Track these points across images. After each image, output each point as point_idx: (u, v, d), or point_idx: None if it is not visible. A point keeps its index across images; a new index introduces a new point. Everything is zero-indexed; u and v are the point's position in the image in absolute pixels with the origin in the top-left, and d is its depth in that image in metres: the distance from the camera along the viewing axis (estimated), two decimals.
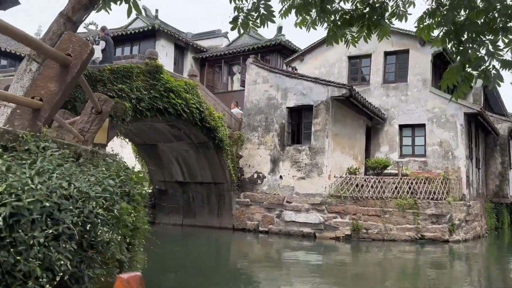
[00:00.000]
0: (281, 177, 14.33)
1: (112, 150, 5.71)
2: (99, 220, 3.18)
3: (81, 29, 13.17)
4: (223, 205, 14.73)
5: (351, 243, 12.71)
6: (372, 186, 13.35)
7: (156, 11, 22.50)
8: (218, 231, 14.65)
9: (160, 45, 21.58)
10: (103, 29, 13.52)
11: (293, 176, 14.10)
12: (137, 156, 15.59)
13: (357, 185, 13.42)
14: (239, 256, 11.86)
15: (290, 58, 19.22)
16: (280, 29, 21.63)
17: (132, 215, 4.19)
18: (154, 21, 21.86)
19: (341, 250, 12.21)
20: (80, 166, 3.70)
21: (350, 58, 18.07)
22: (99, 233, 3.17)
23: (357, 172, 14.19)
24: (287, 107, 14.55)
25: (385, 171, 14.66)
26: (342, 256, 11.59)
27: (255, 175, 14.78)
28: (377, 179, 13.54)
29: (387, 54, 17.52)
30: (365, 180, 13.59)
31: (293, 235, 13.50)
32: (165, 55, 21.50)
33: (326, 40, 6.16)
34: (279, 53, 21.44)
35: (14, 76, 6.16)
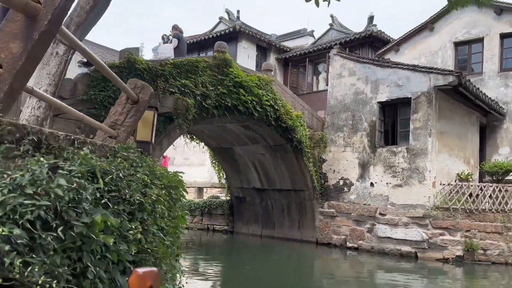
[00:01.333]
0: (372, 184, 12.23)
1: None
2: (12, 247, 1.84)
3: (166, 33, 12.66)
4: (304, 216, 13.05)
5: (464, 267, 10.18)
6: (490, 196, 10.65)
7: (238, 12, 21.77)
8: (300, 244, 13.00)
9: (241, 46, 20.73)
10: (175, 27, 12.81)
11: (387, 183, 11.92)
12: (213, 161, 14.66)
13: (470, 195, 10.80)
14: (323, 275, 10.16)
15: (383, 50, 16.96)
16: (371, 19, 19.41)
17: (131, 233, 2.74)
18: (235, 22, 21.11)
19: (451, 274, 9.80)
20: (18, 158, 2.39)
21: (457, 44, 15.29)
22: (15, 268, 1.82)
23: (470, 179, 11.52)
24: (378, 102, 12.43)
25: (507, 178, 11.76)
26: (452, 282, 9.23)
27: (341, 182, 12.86)
28: (497, 187, 10.79)
29: (504, 36, 14.45)
30: (481, 189, 10.91)
31: (388, 253, 11.31)
32: (246, 57, 20.59)
33: (448, 5, 4.30)
34: (370, 46, 19.21)
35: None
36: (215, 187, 16.15)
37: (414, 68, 11.84)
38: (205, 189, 18.47)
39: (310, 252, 12.51)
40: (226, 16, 23.73)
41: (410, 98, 11.73)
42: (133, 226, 2.71)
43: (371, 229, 11.73)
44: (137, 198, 2.95)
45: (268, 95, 10.97)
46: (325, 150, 13.01)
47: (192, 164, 19.99)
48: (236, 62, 10.60)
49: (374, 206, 11.91)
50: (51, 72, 5.14)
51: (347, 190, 12.72)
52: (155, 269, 0.88)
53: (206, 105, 9.26)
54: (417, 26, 16.16)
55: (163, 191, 3.52)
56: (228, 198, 15.08)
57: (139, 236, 2.75)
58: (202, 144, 13.83)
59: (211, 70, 9.72)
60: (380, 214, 11.64)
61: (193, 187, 16.78)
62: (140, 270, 0.86)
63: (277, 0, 77.60)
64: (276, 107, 11.09)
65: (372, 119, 12.46)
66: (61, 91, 7.48)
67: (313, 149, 12.59)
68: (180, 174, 4.24)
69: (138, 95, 4.91)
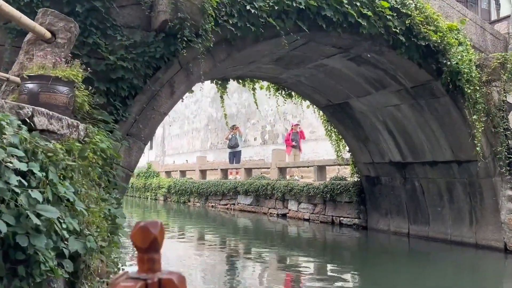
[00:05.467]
0: None
1: None
2: None
3: None
4: (479, 204, 7.70)
5: None
6: None
7: None
8: (474, 251, 7.77)
9: None
10: None
11: None
12: (327, 127, 10.30)
13: None
14: None
15: None
16: None
17: None
18: None
19: None
20: None
21: None
22: None
23: None
24: None
25: None
26: None
27: None
28: None
29: None
30: None
31: None
32: None
33: None
34: None
35: None
36: (339, 165, 11.73)
37: None
38: (337, 168, 14.17)
39: (495, 265, 7.26)
40: None
41: None
42: None
43: None
44: None
45: None
46: None
47: (319, 138, 15.85)
48: None
49: None
50: None
51: None
52: (158, 220, 0.74)
53: (253, 10, 5.12)
54: None
55: None
56: (356, 179, 10.53)
57: None
58: (307, 103, 9.66)
59: None
60: None
61: (312, 166, 12.64)
62: (142, 223, 0.72)
63: None
64: (405, 11, 6.19)
65: None
66: None
67: (486, 86, 7.13)
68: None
69: None
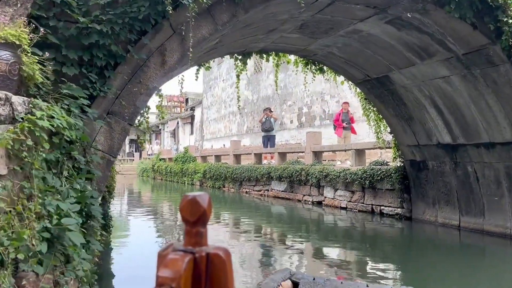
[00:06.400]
0: None
1: None
2: None
3: None
4: None
5: None
6: None
7: None
8: None
9: None
10: None
11: None
12: (366, 107, 9.20)
13: None
14: None
15: None
16: None
17: None
18: None
19: None
20: None
21: None
22: None
23: None
24: None
25: None
26: None
27: None
28: None
29: None
30: None
31: None
32: None
33: None
34: None
35: None
36: (379, 148, 10.58)
37: None
38: (379, 152, 13.03)
39: None
40: None
41: None
42: None
43: None
44: None
45: None
46: None
47: (359, 119, 14.64)
48: None
49: None
50: None
51: None
52: (207, 193, 0.72)
53: None
54: None
55: None
56: (399, 163, 9.39)
57: None
58: (341, 78, 8.62)
59: None
60: None
61: (350, 150, 11.56)
62: (190, 194, 0.72)
63: None
64: None
65: None
66: None
67: None
68: None
69: None
